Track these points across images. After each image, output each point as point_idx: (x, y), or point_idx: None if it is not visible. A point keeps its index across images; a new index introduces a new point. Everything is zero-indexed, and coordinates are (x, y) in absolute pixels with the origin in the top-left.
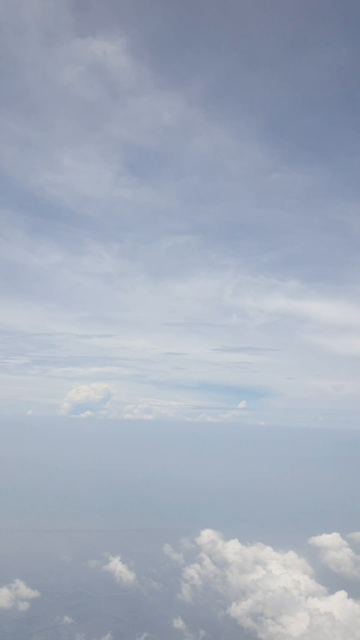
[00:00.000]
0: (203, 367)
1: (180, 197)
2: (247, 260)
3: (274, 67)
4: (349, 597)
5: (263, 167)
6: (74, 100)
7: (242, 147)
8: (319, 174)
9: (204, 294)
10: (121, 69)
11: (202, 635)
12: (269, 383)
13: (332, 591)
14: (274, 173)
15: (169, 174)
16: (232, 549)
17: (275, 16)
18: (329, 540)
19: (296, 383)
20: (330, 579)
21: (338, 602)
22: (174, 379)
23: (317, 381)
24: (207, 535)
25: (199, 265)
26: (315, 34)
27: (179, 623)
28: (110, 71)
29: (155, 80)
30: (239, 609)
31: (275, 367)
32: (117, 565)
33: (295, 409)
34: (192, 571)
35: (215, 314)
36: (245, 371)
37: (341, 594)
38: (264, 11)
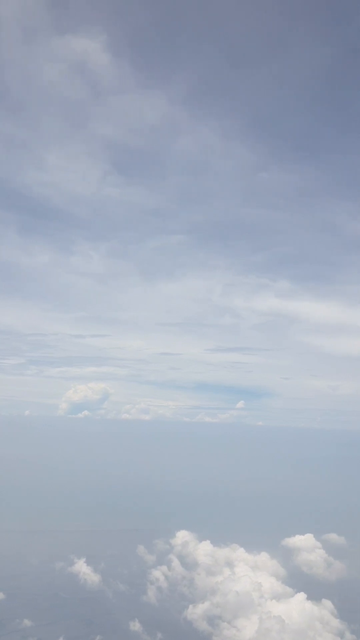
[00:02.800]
0: (199, 367)
1: (169, 197)
2: (239, 260)
3: (256, 65)
4: (309, 599)
5: (250, 166)
6: (57, 98)
7: (229, 145)
8: (307, 173)
9: (197, 294)
10: (103, 67)
11: (159, 638)
12: (265, 383)
13: (298, 593)
14: (261, 172)
15: (156, 173)
16: (203, 550)
17: (258, 13)
18: (302, 541)
19: (293, 383)
20: (300, 581)
21: (297, 605)
22: (170, 379)
23: (314, 381)
24: (181, 537)
25: (190, 265)
26: (298, 31)
27: (135, 626)
28: (92, 69)
29: (137, 78)
30: (195, 612)
31: (271, 367)
32: (81, 567)
33: (294, 409)
34: (158, 573)
35: (209, 314)
36: (241, 371)
37: (300, 596)
38: (247, 8)
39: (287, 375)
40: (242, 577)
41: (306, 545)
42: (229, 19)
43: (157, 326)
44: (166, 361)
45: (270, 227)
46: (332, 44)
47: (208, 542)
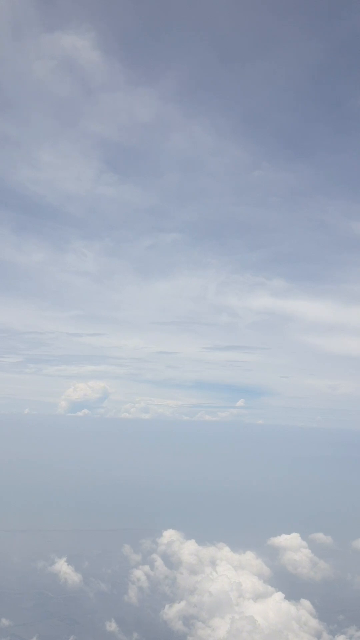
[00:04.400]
0: (197, 366)
1: (163, 195)
2: (234, 258)
3: (249, 62)
4: (289, 598)
5: (243, 165)
6: (48, 96)
7: (221, 143)
8: (301, 171)
9: (192, 292)
10: (93, 64)
11: (135, 638)
12: (264, 382)
13: (282, 592)
14: (255, 170)
15: (150, 171)
16: (188, 549)
17: (249, 9)
18: (288, 540)
19: (292, 382)
20: (283, 581)
21: (273, 605)
22: (169, 378)
23: (312, 380)
24: (168, 536)
25: (185, 264)
26: (290, 27)
27: (111, 626)
28: (82, 66)
29: (128, 75)
30: (171, 612)
31: (269, 365)
32: (62, 567)
33: (293, 408)
34: (139, 573)
35: (205, 312)
36: (239, 370)
37: (277, 596)
38: (238, 4)
39: (285, 374)
40: (220, 576)
41: (292, 545)
42: (220, 15)
43: (154, 325)
44: (164, 360)
45: (265, 225)
46: (325, 40)
47: (193, 541)
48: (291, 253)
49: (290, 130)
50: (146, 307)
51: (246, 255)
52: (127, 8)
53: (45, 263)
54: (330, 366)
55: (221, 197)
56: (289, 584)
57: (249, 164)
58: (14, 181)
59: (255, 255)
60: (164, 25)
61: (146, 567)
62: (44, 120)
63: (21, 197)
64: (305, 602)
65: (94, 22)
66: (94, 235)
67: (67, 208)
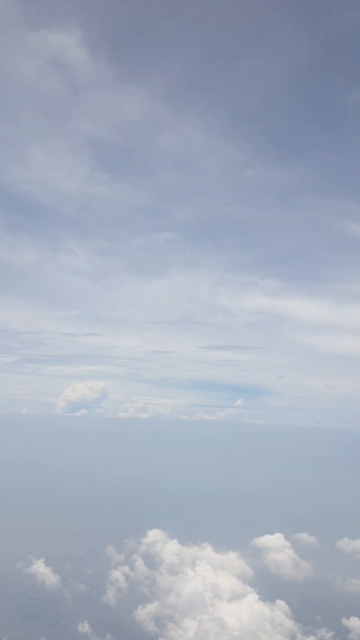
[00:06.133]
0: (193, 365)
1: (156, 194)
2: (228, 257)
3: (236, 61)
4: (267, 599)
5: (236, 164)
6: (36, 94)
7: (212, 142)
8: (293, 170)
9: (187, 291)
10: (80, 63)
11: (108, 639)
12: (262, 381)
13: (261, 593)
14: (248, 169)
15: (142, 170)
16: (170, 549)
17: (237, 6)
18: (271, 541)
19: (289, 382)
20: (264, 581)
21: (247, 606)
22: (166, 377)
23: (310, 380)
24: (153, 536)
25: (180, 263)
26: (278, 24)
27: (84, 627)
28: (69, 65)
29: (115, 74)
30: (144, 613)
31: (266, 365)
32: (39, 568)
33: (292, 408)
34: (118, 573)
35: (200, 312)
36: (236, 369)
37: (252, 597)
38: (225, 2)
39: (282, 374)
40: (195, 577)
41: (275, 545)
42: (209, 12)
43: (150, 324)
44: (160, 359)
45: (259, 225)
46: (317, 37)
47: (176, 541)
48: (285, 252)
49: (281, 128)
50: (141, 307)
51: (240, 254)
52: (113, 5)
53: (40, 262)
54: (327, 366)
55: (214, 196)
56: (269, 585)
57: (241, 162)
58: (5, 180)
59: (249, 254)
60: (152, 23)
61: (125, 568)
62: (33, 119)
63: (13, 196)
64: (281, 603)
65: (79, 19)
66: (87, 234)
67: (59, 207)
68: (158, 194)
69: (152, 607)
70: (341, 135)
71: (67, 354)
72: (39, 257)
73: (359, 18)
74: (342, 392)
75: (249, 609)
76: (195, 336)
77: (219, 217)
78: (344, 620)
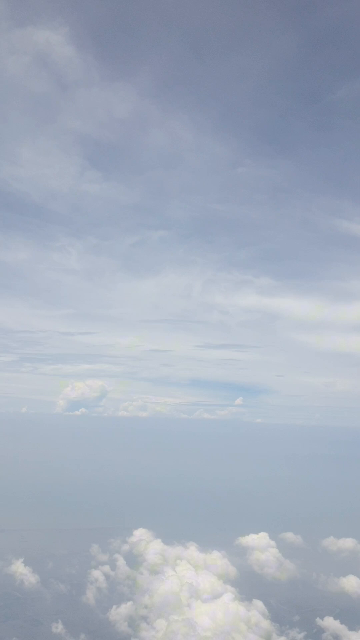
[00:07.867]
0: (191, 364)
1: (147, 192)
2: (221, 256)
3: (222, 58)
4: (245, 599)
5: (226, 161)
6: (23, 92)
7: (201, 140)
8: (283, 167)
9: (182, 290)
10: (67, 60)
11: (82, 639)
12: (261, 380)
13: (242, 592)
14: (238, 167)
15: (132, 168)
16: (153, 549)
17: (222, 4)
18: (256, 540)
19: (287, 380)
20: (247, 581)
21: (222, 606)
22: (164, 376)
23: (307, 378)
24: (138, 535)
25: (173, 261)
26: (264, 21)
27: (58, 627)
28: (56, 62)
29: (102, 71)
30: (118, 613)
31: (263, 364)
32: (18, 568)
33: (291, 406)
34: (98, 573)
35: (195, 310)
36: (234, 368)
37: (227, 597)
38: None
39: (280, 373)
40: (171, 577)
41: (260, 544)
42: (195, 9)
43: (145, 323)
44: (158, 358)
45: (251, 223)
46: (302, 34)
47: (159, 540)
48: (278, 250)
49: (271, 125)
50: (136, 305)
51: (233, 252)
52: (100, 1)
53: (33, 261)
54: (323, 364)
55: (206, 194)
56: (251, 585)
57: (231, 160)
58: None
59: (242, 252)
60: (139, 19)
61: (106, 568)
62: (21, 117)
63: (4, 194)
64: (258, 603)
65: (66, 16)
66: (80, 232)
67: (51, 205)
68: (150, 191)
69: (126, 608)
70: (331, 131)
71: (64, 352)
72: (32, 255)
73: (348, 14)
74: (340, 389)
75: (223, 608)
76: (191, 334)
77: (211, 215)
78: (318, 620)
